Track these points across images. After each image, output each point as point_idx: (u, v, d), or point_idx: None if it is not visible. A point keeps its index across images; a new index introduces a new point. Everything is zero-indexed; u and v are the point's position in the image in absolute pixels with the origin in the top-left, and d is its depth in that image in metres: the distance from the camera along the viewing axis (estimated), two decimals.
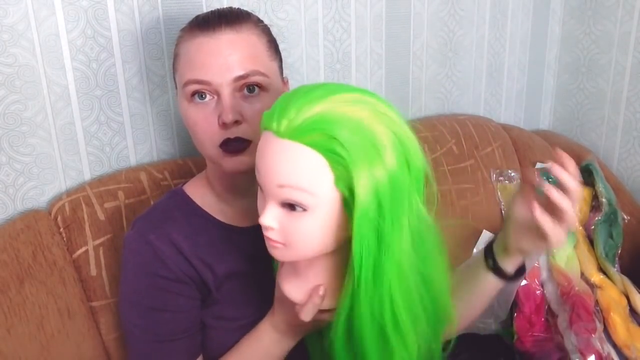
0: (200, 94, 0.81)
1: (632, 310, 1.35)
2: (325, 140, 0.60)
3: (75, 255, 1.02)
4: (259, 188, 0.69)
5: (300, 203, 0.63)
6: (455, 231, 1.45)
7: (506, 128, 1.66)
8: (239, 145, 0.81)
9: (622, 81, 1.65)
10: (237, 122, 0.80)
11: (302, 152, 0.61)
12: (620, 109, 1.67)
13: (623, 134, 1.68)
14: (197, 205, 0.90)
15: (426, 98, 1.60)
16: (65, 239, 1.02)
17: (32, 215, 1.03)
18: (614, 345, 1.26)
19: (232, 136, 0.80)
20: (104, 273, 1.02)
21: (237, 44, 0.81)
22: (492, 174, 1.52)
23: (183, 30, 0.86)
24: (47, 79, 1.04)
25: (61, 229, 1.03)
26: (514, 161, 1.58)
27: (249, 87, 0.81)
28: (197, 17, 0.86)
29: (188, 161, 1.16)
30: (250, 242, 0.88)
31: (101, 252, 1.03)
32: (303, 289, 0.75)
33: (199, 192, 0.92)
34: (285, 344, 0.82)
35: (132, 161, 1.17)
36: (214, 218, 0.90)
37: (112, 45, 1.09)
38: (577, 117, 1.79)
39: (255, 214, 0.82)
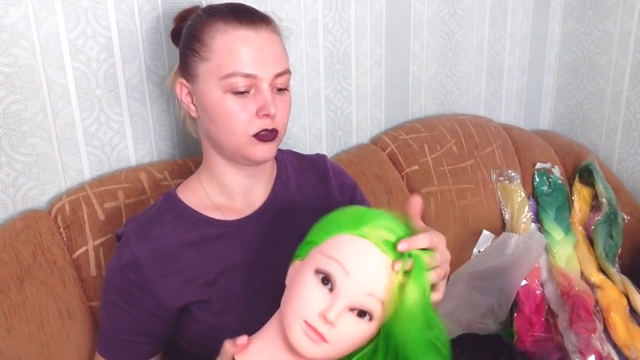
0: (244, 91, 0.84)
1: (632, 310, 1.35)
2: (394, 251, 0.66)
3: (75, 255, 1.02)
4: (324, 283, 0.67)
5: (372, 313, 0.66)
6: (456, 231, 1.45)
7: (506, 128, 1.66)
8: (272, 134, 0.86)
9: (622, 81, 1.65)
10: (274, 114, 0.85)
11: (388, 262, 0.66)
12: (620, 109, 1.67)
13: (623, 134, 1.68)
14: (188, 207, 0.92)
15: (426, 98, 1.60)
16: (65, 239, 1.02)
17: (32, 215, 1.03)
18: (614, 345, 1.26)
19: (269, 127, 0.85)
20: (104, 273, 1.02)
21: (273, 42, 0.87)
22: (492, 174, 1.52)
23: (209, 17, 0.87)
24: (47, 79, 1.04)
25: (61, 229, 1.03)
26: (514, 161, 1.58)
27: (279, 88, 0.87)
28: (221, 7, 0.88)
29: (188, 161, 1.16)
30: (247, 231, 0.91)
31: (101, 252, 1.03)
32: None
33: (192, 192, 0.93)
34: None
35: (132, 161, 1.17)
36: (207, 217, 0.91)
37: (112, 45, 1.09)
38: (577, 117, 1.80)
39: (255, 202, 0.93)
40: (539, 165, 1.60)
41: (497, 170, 1.53)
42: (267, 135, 0.86)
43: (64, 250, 1.02)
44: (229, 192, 0.93)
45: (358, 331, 0.67)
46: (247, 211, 0.94)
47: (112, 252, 0.91)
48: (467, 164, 1.49)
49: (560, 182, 1.57)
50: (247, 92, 0.84)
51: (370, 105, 1.49)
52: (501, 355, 1.25)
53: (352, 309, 0.66)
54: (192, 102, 0.90)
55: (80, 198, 1.05)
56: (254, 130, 0.85)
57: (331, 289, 0.66)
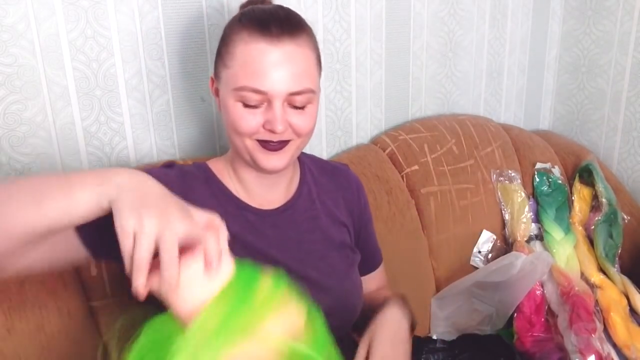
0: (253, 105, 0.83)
1: (632, 310, 1.35)
2: None
3: None
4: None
5: None
6: (456, 231, 1.45)
7: (506, 128, 1.66)
8: (279, 145, 0.85)
9: (622, 81, 1.65)
10: (283, 130, 0.84)
11: None
12: (620, 109, 1.67)
13: (623, 134, 1.68)
14: (219, 180, 0.93)
15: (426, 98, 1.60)
16: None
17: None
18: (614, 345, 1.26)
19: (275, 139, 0.85)
20: (104, 273, 1.02)
21: (296, 58, 0.83)
22: (492, 174, 1.52)
23: (239, 23, 0.85)
24: (47, 79, 1.04)
25: None
26: (514, 161, 1.58)
27: (296, 106, 0.85)
28: (253, 11, 0.86)
29: (188, 161, 1.16)
30: (263, 223, 0.91)
31: None
32: None
33: (222, 171, 0.94)
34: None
35: (132, 161, 1.17)
36: (231, 193, 0.92)
37: (112, 45, 1.09)
38: (577, 117, 1.80)
39: (274, 200, 0.92)
40: (539, 165, 1.60)
41: (497, 170, 1.53)
42: (274, 146, 0.85)
43: None
44: (247, 186, 0.94)
45: None
46: (264, 207, 0.94)
47: None
48: (467, 164, 1.49)
49: (560, 182, 1.57)
50: (257, 106, 0.84)
51: (370, 105, 1.49)
52: (501, 355, 1.25)
53: None
54: (218, 97, 0.91)
55: None
56: (261, 138, 0.85)
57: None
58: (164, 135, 1.19)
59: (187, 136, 1.22)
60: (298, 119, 0.85)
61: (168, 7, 1.13)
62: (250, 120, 0.84)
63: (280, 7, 0.89)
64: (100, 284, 1.02)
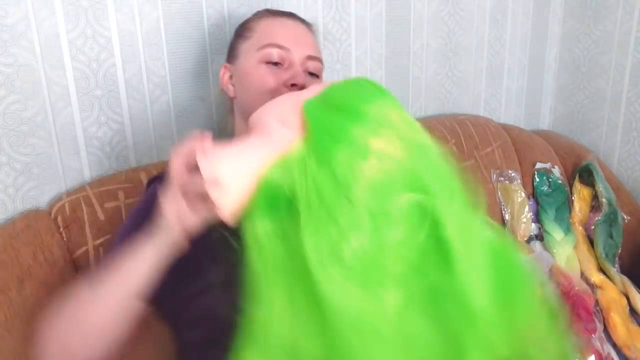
0: (276, 64, 0.91)
1: (632, 310, 1.35)
2: None
3: (75, 255, 1.02)
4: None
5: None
6: None
7: (506, 128, 1.66)
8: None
9: (622, 81, 1.65)
10: (302, 87, 0.88)
11: None
12: (620, 109, 1.67)
13: (623, 134, 1.68)
14: None
15: (426, 98, 1.60)
16: (65, 239, 1.02)
17: (32, 215, 1.03)
18: (614, 345, 1.26)
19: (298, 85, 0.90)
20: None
21: (309, 35, 0.97)
22: (492, 174, 1.52)
23: (261, 13, 1.00)
24: (47, 79, 1.04)
25: (61, 229, 1.03)
26: (514, 161, 1.58)
27: (311, 73, 0.94)
28: (277, 10, 1.01)
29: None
30: None
31: (101, 252, 1.03)
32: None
33: None
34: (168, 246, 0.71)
35: (132, 161, 1.17)
36: None
37: (112, 45, 1.09)
38: (577, 117, 1.80)
39: None
40: (539, 165, 1.60)
41: (497, 170, 1.53)
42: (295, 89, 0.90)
43: (64, 250, 1.02)
44: None
45: None
46: None
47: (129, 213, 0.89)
48: (467, 164, 1.49)
49: (560, 182, 1.57)
50: (280, 63, 0.91)
51: None
52: None
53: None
54: (230, 82, 0.97)
55: (80, 198, 1.05)
56: (276, 93, 0.87)
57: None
58: (164, 135, 1.19)
59: (187, 136, 1.22)
60: (309, 82, 0.91)
61: (168, 7, 1.13)
62: (274, 76, 0.89)
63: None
64: None
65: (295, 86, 0.88)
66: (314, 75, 0.95)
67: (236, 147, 0.62)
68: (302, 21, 0.99)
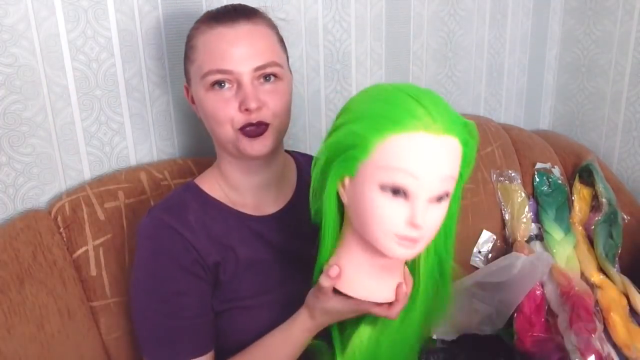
0: (220, 83, 0.84)
1: (632, 310, 1.35)
2: (462, 128, 0.67)
3: (75, 255, 1.02)
4: (396, 194, 0.66)
5: (449, 191, 0.67)
6: (456, 231, 1.45)
7: (506, 128, 1.66)
8: (259, 129, 0.85)
9: (622, 81, 1.65)
10: (258, 108, 0.84)
11: (455, 143, 0.66)
12: (620, 109, 1.67)
13: (623, 134, 1.68)
14: (211, 197, 0.92)
15: None
16: (65, 239, 1.02)
17: (32, 215, 1.03)
18: (614, 345, 1.26)
19: (254, 121, 0.84)
20: (104, 273, 1.02)
21: (255, 35, 0.86)
22: (492, 174, 1.52)
23: (198, 22, 0.90)
24: (47, 79, 1.04)
25: (61, 229, 1.03)
26: (514, 161, 1.58)
27: (266, 76, 0.86)
28: (210, 11, 0.90)
29: (188, 161, 1.16)
30: (267, 230, 0.91)
31: (101, 252, 1.03)
32: (389, 286, 0.75)
33: (211, 185, 0.94)
34: (314, 333, 0.83)
35: (132, 161, 1.17)
36: (229, 207, 0.92)
37: (112, 45, 1.09)
38: (577, 117, 1.79)
39: (269, 203, 0.92)
40: (539, 165, 1.60)
41: (497, 170, 1.53)
42: (254, 130, 0.85)
43: (64, 250, 1.02)
44: (240, 191, 0.93)
45: (442, 213, 0.69)
46: (262, 212, 0.93)
47: (124, 258, 0.89)
48: None
49: (560, 182, 1.57)
50: (227, 87, 0.84)
51: None
52: (501, 355, 1.25)
53: (431, 201, 0.66)
54: (194, 103, 0.92)
55: (80, 198, 1.05)
56: (238, 125, 0.85)
57: (405, 196, 0.65)
58: (164, 135, 1.19)
59: (187, 136, 1.22)
60: (270, 97, 0.85)
61: (168, 7, 1.13)
62: (225, 105, 0.84)
63: (238, 4, 0.91)
64: (100, 284, 1.02)
65: (248, 111, 0.83)
66: (273, 77, 0.86)
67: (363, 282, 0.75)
68: (246, 17, 0.86)
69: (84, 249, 1.02)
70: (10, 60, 1.00)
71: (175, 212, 0.87)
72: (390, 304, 0.76)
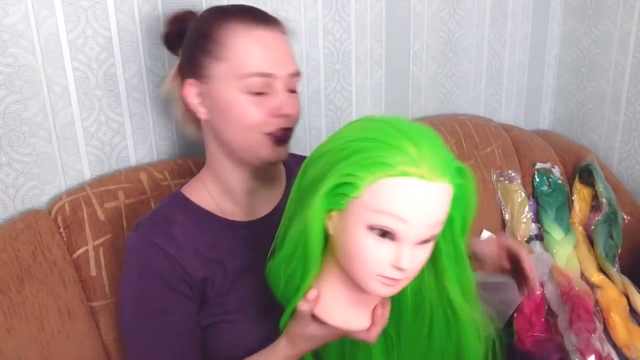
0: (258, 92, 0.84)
1: (632, 310, 1.35)
2: (456, 173, 0.66)
3: (75, 255, 1.02)
4: (383, 236, 0.65)
5: (434, 235, 0.67)
6: None
7: (506, 128, 1.66)
8: (287, 134, 0.87)
9: (622, 81, 1.65)
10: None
11: (447, 189, 0.65)
12: (620, 109, 1.67)
13: (623, 134, 1.68)
14: (198, 206, 0.90)
15: (426, 98, 1.60)
16: (65, 239, 1.02)
17: (32, 215, 1.03)
18: (614, 345, 1.26)
19: (285, 125, 0.85)
20: (104, 273, 1.02)
21: (286, 43, 0.87)
22: (492, 174, 1.52)
23: (221, 18, 0.85)
24: (47, 79, 1.04)
25: (61, 229, 1.03)
26: (514, 161, 1.58)
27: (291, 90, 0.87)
28: (229, 8, 0.87)
29: (188, 161, 1.16)
30: (258, 234, 0.89)
31: (101, 252, 1.03)
32: (366, 314, 0.75)
33: (198, 194, 0.92)
34: (299, 357, 0.83)
35: (132, 161, 1.17)
36: (217, 216, 0.90)
37: (112, 45, 1.09)
38: (577, 117, 1.80)
39: (261, 206, 0.92)
40: (539, 165, 1.60)
41: (497, 170, 1.53)
42: (284, 135, 0.86)
43: (64, 250, 1.02)
44: (233, 196, 0.92)
45: (427, 253, 0.69)
46: (253, 216, 0.93)
47: (124, 261, 0.87)
48: (467, 164, 1.49)
49: (560, 182, 1.57)
50: (264, 92, 0.83)
51: (370, 105, 1.49)
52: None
53: (417, 243, 0.66)
54: (202, 104, 0.87)
55: (80, 198, 1.05)
56: (270, 129, 0.84)
57: (392, 238, 0.65)
58: (164, 135, 1.19)
59: (187, 136, 1.22)
60: (294, 105, 0.86)
61: (168, 7, 1.13)
62: (258, 108, 0.83)
63: (245, 5, 0.90)
64: (100, 284, 1.02)
65: (283, 116, 0.84)
66: (294, 92, 0.88)
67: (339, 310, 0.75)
68: (277, 23, 0.86)
69: (84, 249, 1.02)
70: (10, 60, 1.00)
71: (161, 228, 0.86)
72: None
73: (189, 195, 0.92)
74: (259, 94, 0.83)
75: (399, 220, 0.63)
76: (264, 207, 0.94)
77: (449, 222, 0.70)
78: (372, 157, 0.63)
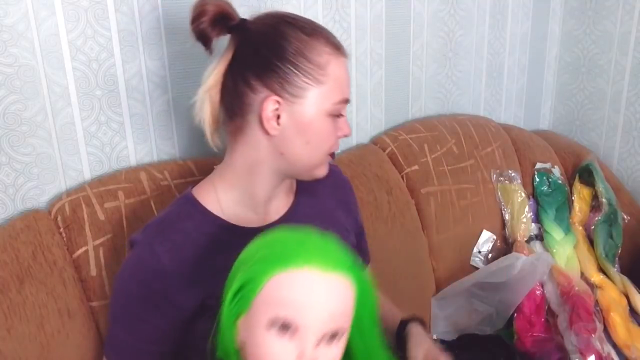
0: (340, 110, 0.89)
1: (632, 310, 1.35)
2: (351, 266, 0.68)
3: (75, 255, 1.02)
4: (284, 330, 0.64)
5: (343, 328, 0.67)
6: (456, 231, 1.45)
7: (506, 128, 1.66)
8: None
9: (622, 81, 1.65)
10: None
11: (343, 280, 0.66)
12: (620, 109, 1.67)
13: (623, 134, 1.68)
14: (210, 212, 0.89)
15: (426, 98, 1.60)
16: (65, 239, 1.02)
17: (32, 215, 1.03)
18: (614, 345, 1.26)
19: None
20: (104, 273, 1.02)
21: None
22: (492, 174, 1.52)
23: (313, 36, 0.85)
24: (47, 79, 1.04)
25: (61, 229, 1.03)
26: (514, 161, 1.58)
27: None
28: (310, 22, 0.88)
29: (188, 161, 1.16)
30: None
31: (101, 252, 1.03)
32: None
33: (210, 199, 0.90)
34: None
35: (132, 161, 1.17)
36: (230, 223, 0.89)
37: (112, 45, 1.09)
38: (577, 117, 1.80)
39: (278, 209, 0.94)
40: (539, 165, 1.60)
41: (497, 170, 1.53)
42: (333, 154, 0.92)
43: (64, 250, 1.02)
44: (252, 202, 0.90)
45: (337, 352, 0.67)
46: (266, 221, 0.92)
47: (123, 258, 0.87)
48: (467, 164, 1.49)
49: (560, 182, 1.57)
50: (339, 116, 0.89)
51: (370, 105, 1.49)
52: (501, 355, 1.25)
53: (322, 339, 0.65)
54: (275, 120, 0.84)
55: (80, 198, 1.05)
56: (333, 150, 0.90)
57: (294, 332, 0.64)
58: (164, 135, 1.19)
59: (187, 136, 1.22)
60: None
61: (168, 7, 1.13)
62: (334, 134, 0.88)
63: (311, 20, 0.91)
64: (100, 284, 1.02)
65: (345, 137, 0.91)
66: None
67: None
68: (344, 49, 0.91)
69: (84, 249, 1.02)
70: (10, 60, 1.00)
71: (167, 236, 0.85)
72: None
73: (202, 200, 0.90)
74: (337, 116, 0.88)
75: (294, 309, 0.64)
76: (283, 209, 0.94)
77: (357, 319, 0.69)
78: (269, 256, 0.66)
